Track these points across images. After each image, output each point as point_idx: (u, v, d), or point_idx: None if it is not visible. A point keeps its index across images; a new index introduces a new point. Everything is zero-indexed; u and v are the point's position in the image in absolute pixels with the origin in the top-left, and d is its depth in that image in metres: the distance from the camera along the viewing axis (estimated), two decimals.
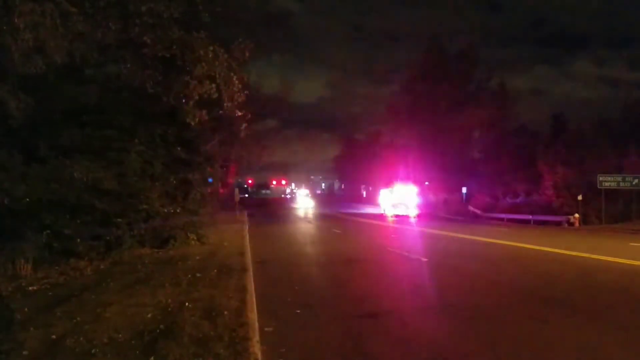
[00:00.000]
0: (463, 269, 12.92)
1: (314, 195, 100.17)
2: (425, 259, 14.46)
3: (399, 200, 41.34)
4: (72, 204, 12.76)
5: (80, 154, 13.63)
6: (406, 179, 49.78)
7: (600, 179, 30.86)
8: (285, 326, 7.19)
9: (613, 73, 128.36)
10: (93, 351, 5.67)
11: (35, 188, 11.92)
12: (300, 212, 49.18)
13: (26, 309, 7.79)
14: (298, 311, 8.11)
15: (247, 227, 28.06)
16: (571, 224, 31.19)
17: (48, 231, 11.97)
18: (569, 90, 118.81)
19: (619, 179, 31.19)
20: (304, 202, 72.12)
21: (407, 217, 38.58)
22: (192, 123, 13.76)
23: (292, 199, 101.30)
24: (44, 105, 12.90)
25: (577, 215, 31.41)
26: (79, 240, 12.49)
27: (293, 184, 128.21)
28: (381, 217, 40.88)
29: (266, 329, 6.90)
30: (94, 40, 10.78)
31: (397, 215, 39.51)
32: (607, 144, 34.19)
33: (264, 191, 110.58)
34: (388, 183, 47.56)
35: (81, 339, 6.11)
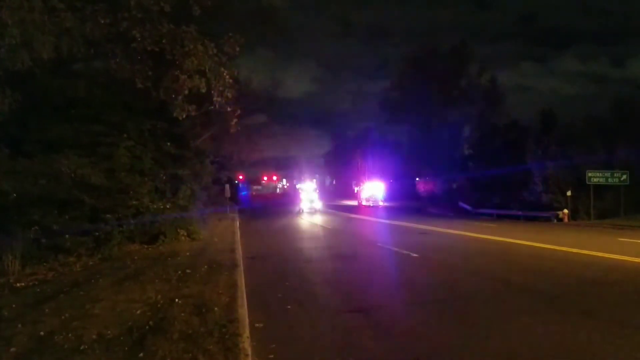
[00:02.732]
0: (451, 264, 12.96)
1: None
2: (415, 255, 14.51)
3: (370, 194, 53.91)
4: (61, 199, 12.67)
5: (68, 149, 13.53)
6: (395, 175, 61.01)
7: (589, 174, 31.05)
8: (276, 322, 7.19)
9: (597, 69, 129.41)
10: (82, 347, 5.64)
11: (23, 183, 11.81)
12: (293, 209, 49.03)
13: (14, 306, 7.74)
14: (289, 307, 8.11)
15: (237, 223, 28.02)
16: (560, 220, 31.39)
17: (36, 227, 11.87)
18: (554, 86, 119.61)
19: (608, 174, 31.41)
20: (309, 201, 46.55)
21: (377, 207, 50.08)
22: (180, 118, 13.68)
23: (288, 194, 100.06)
24: (31, 100, 12.77)
25: (566, 210, 31.61)
26: (67, 236, 12.42)
27: (284, 180, 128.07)
28: (362, 209, 47.93)
29: (257, 324, 6.89)
30: (81, 35, 10.67)
31: (369, 206, 51.13)
32: (596, 140, 34.45)
33: (255, 187, 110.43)
34: (372, 179, 57.99)
35: (70, 335, 6.07)
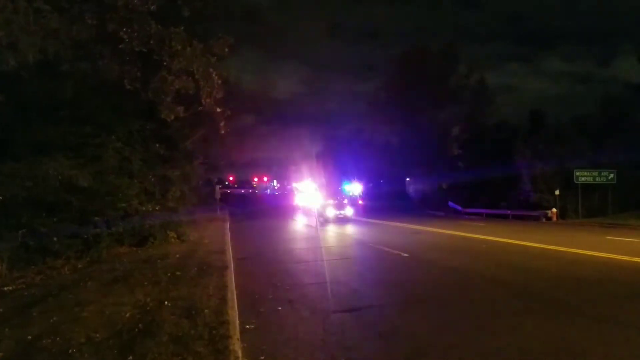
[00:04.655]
0: (442, 264, 13.00)
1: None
2: (406, 254, 14.55)
3: (353, 193, 54.14)
4: (49, 201, 12.54)
5: (56, 151, 13.39)
6: (386, 174, 62.69)
7: (577, 173, 31.36)
8: (267, 323, 7.17)
9: (582, 69, 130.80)
10: (70, 351, 5.59)
11: (10, 186, 11.67)
12: (285, 210, 48.94)
13: (1, 310, 7.67)
14: (279, 308, 8.09)
15: (227, 224, 27.94)
16: (549, 219, 31.68)
17: (24, 230, 11.73)
18: (541, 86, 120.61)
19: (595, 173, 31.74)
20: (333, 205, 33.00)
21: (357, 205, 49.43)
22: (168, 119, 13.61)
23: (279, 195, 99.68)
24: (17, 101, 12.64)
25: (554, 209, 31.90)
26: (55, 238, 12.27)
27: (275, 180, 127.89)
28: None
29: (247, 326, 6.87)
30: (68, 37, 10.58)
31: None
32: (584, 139, 34.76)
33: (246, 188, 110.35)
34: (355, 179, 58.95)
35: (58, 339, 6.01)
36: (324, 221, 30.56)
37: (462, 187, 45.70)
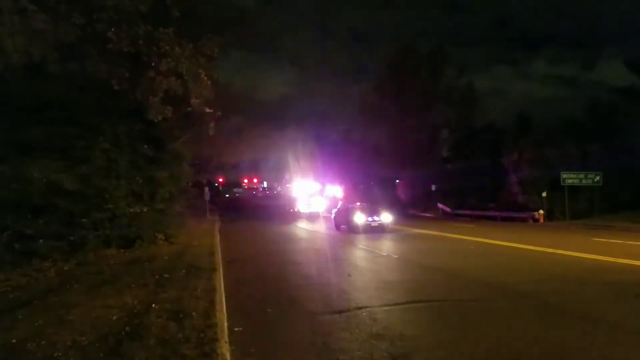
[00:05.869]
0: (430, 265, 13.04)
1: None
2: (395, 256, 14.59)
3: (332, 194, 55.72)
4: (35, 203, 12.40)
5: (42, 152, 13.25)
6: (376, 176, 62.61)
7: (564, 176, 31.68)
8: (255, 326, 7.14)
9: (568, 72, 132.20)
10: (56, 355, 5.52)
11: None
12: (275, 211, 48.84)
13: None
14: (268, 310, 8.06)
15: (217, 226, 27.82)
16: (536, 220, 31.95)
17: (9, 232, 11.60)
18: (527, 89, 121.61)
19: (582, 175, 32.09)
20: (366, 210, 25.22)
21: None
22: (156, 120, 13.52)
23: (269, 197, 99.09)
24: (2, 102, 12.49)
25: (541, 211, 32.19)
26: (41, 240, 12.15)
27: (265, 182, 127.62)
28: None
29: (236, 329, 6.83)
30: (55, 38, 10.49)
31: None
32: (571, 141, 35.16)
33: (235, 190, 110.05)
34: (354, 181, 61.66)
35: (43, 342, 5.94)
36: (349, 229, 24.38)
37: (452, 189, 46.00)
